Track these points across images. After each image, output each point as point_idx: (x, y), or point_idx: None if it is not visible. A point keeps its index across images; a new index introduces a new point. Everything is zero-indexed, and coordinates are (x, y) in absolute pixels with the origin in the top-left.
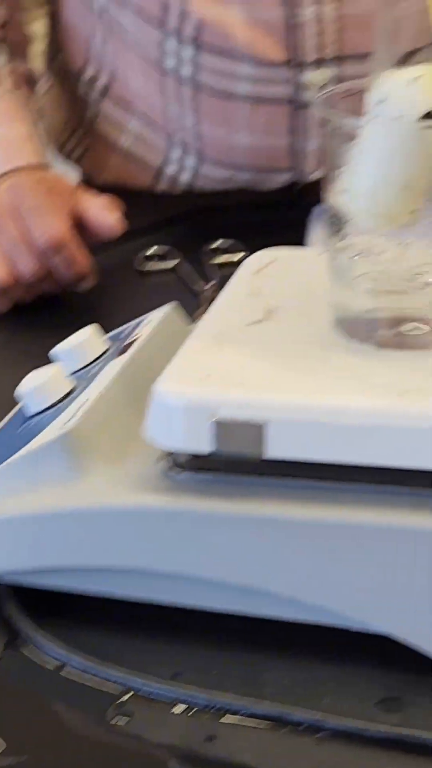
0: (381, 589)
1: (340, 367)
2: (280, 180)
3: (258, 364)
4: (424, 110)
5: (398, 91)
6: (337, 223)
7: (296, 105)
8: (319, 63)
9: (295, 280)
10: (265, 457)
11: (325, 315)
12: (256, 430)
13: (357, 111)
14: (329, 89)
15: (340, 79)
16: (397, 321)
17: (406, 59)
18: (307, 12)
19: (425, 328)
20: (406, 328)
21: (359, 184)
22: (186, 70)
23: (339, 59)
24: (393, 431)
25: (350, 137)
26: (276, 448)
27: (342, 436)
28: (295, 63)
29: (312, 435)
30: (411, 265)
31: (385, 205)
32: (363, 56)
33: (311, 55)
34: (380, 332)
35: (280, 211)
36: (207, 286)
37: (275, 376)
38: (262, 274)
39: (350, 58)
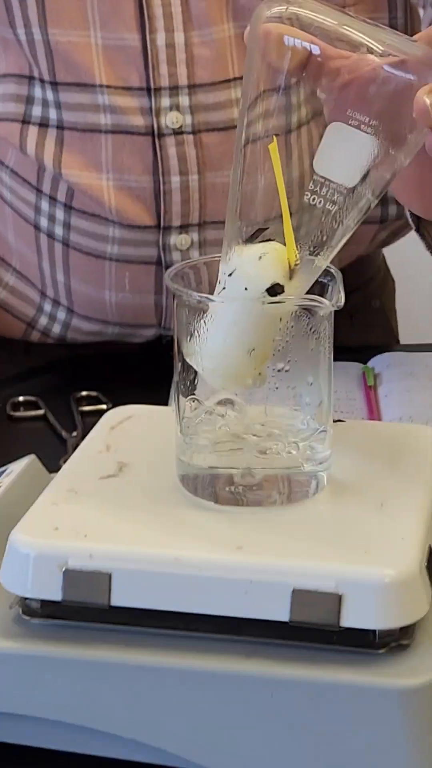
0: (220, 734)
1: (182, 522)
2: (147, 334)
3: (106, 517)
4: (267, 285)
5: (245, 266)
6: (186, 383)
7: (162, 265)
8: (184, 228)
9: (148, 436)
10: (112, 605)
11: (173, 471)
12: (102, 580)
13: (203, 282)
14: (179, 264)
15: (202, 243)
16: (233, 479)
17: (255, 234)
18: (173, 181)
19: (259, 486)
20: (240, 486)
21: (209, 346)
22: (58, 231)
23: (202, 225)
24: (229, 583)
25: (198, 308)
26: (121, 597)
27: (181, 587)
28: (161, 227)
29: (154, 585)
30: (247, 425)
31: (232, 367)
32: (222, 222)
33: (176, 221)
34: (218, 489)
35: (148, 363)
36: (74, 434)
37: (122, 528)
38: (118, 430)
39: (212, 224)
